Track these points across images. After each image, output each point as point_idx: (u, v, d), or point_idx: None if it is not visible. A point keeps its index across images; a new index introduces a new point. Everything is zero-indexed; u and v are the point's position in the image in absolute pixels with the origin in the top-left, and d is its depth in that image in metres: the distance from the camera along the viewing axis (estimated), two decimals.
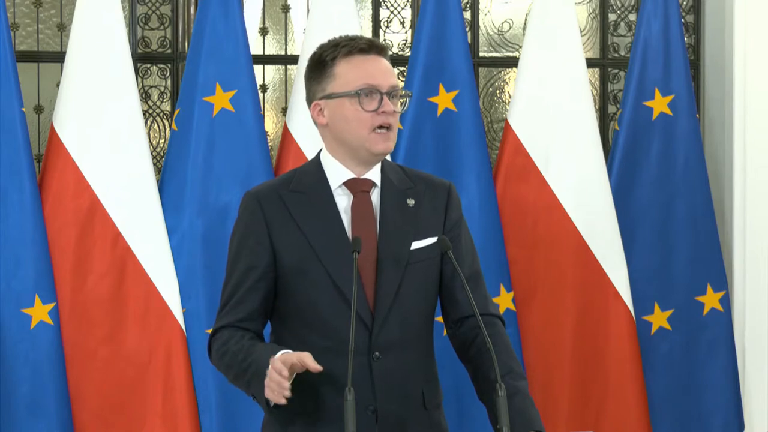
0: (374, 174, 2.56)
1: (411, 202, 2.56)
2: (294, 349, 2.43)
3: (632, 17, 4.49)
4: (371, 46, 2.52)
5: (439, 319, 2.64)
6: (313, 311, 2.49)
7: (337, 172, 2.54)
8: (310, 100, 2.57)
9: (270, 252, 2.51)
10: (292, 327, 2.53)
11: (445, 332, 2.67)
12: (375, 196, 2.55)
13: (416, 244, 2.53)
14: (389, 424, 2.48)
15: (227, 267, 2.57)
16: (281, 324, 2.57)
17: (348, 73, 2.50)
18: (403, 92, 2.55)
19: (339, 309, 2.45)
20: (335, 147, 2.55)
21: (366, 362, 2.47)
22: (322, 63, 2.53)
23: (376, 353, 2.48)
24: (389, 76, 2.52)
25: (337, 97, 2.50)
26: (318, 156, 2.60)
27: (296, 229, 2.50)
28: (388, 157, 2.69)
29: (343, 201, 2.54)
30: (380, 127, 2.49)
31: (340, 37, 2.57)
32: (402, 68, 4.20)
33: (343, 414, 2.25)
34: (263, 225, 2.51)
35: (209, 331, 2.62)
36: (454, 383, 3.10)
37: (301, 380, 2.40)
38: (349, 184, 2.54)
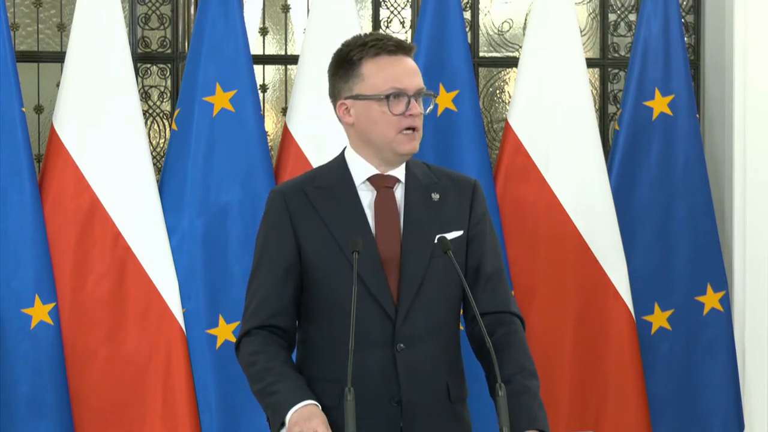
0: (398, 171, 2.58)
1: (436, 196, 2.58)
2: (320, 345, 2.50)
3: (632, 17, 4.49)
4: (398, 47, 2.53)
5: None
6: (339, 305, 2.50)
7: (361, 169, 2.57)
8: (334, 97, 2.59)
9: (296, 248, 2.53)
10: (319, 322, 2.55)
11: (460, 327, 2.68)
12: (399, 191, 2.57)
13: (440, 236, 2.53)
14: (414, 416, 2.50)
15: (254, 263, 2.60)
16: (308, 320, 2.58)
17: (376, 75, 2.51)
18: (429, 93, 2.56)
19: (363, 303, 2.47)
20: (360, 145, 2.57)
21: (390, 354, 2.49)
22: (348, 62, 2.54)
23: (401, 345, 2.49)
24: (416, 77, 2.53)
25: (364, 98, 2.52)
26: (342, 153, 2.62)
27: (321, 224, 2.53)
28: None
29: (367, 197, 2.56)
30: (407, 128, 2.51)
31: (367, 35, 2.59)
32: None
33: (344, 413, 2.26)
34: (288, 221, 2.54)
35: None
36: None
37: (327, 376, 2.40)
38: (373, 180, 2.56)
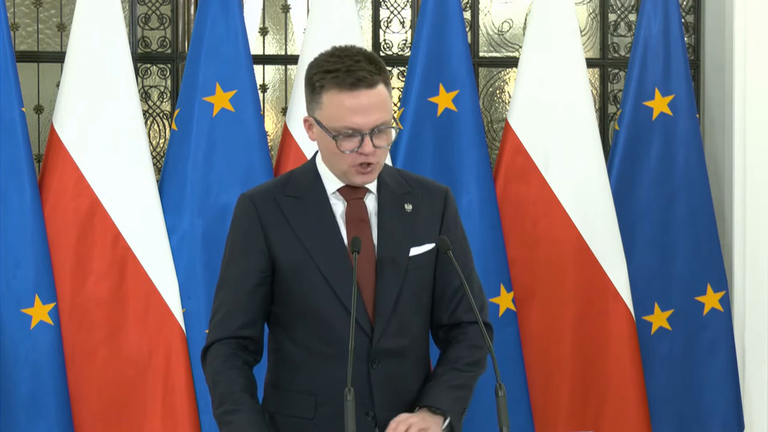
0: None
1: (408, 207, 2.55)
2: (293, 355, 2.47)
3: (632, 17, 4.49)
4: (358, 82, 2.40)
5: None
6: (314, 316, 2.48)
7: (331, 179, 2.53)
8: (306, 109, 2.54)
9: (267, 256, 2.49)
10: (293, 333, 2.52)
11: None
12: (371, 201, 2.54)
13: (414, 251, 2.52)
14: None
15: (222, 269, 2.56)
16: (280, 329, 2.55)
17: (331, 109, 2.42)
18: (392, 125, 2.46)
19: (338, 314, 2.45)
20: (326, 163, 2.53)
21: (365, 369, 2.46)
22: (312, 84, 2.47)
23: (376, 361, 2.47)
24: (374, 113, 2.41)
25: (320, 126, 2.46)
26: (314, 160, 2.58)
27: (291, 233, 2.48)
28: (388, 160, 2.67)
29: (339, 207, 2.53)
30: (360, 164, 2.45)
31: (335, 56, 2.46)
32: (402, 68, 4.21)
33: (343, 414, 2.25)
34: (259, 228, 2.50)
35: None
36: None
37: (301, 387, 2.40)
38: (342, 191, 2.53)
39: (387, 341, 2.47)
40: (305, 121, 2.52)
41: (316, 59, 2.49)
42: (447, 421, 2.44)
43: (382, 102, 2.44)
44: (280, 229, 2.49)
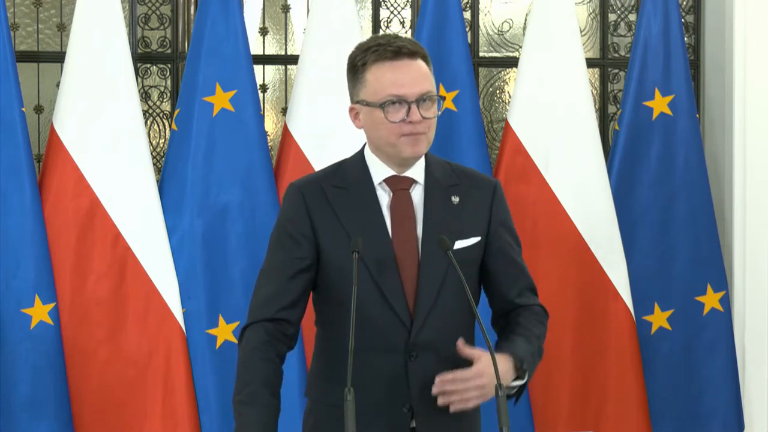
0: (416, 171, 2.55)
1: (455, 199, 2.55)
2: (333, 346, 2.50)
3: (632, 17, 4.49)
4: (399, 52, 2.47)
5: None
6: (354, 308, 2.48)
7: (378, 169, 2.54)
8: (351, 101, 2.57)
9: (313, 244, 2.51)
10: (332, 323, 2.54)
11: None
12: (418, 192, 2.55)
13: (459, 244, 2.51)
14: (425, 423, 2.49)
15: (267, 255, 2.56)
16: (323, 319, 2.58)
17: (375, 82, 2.47)
18: (434, 96, 2.51)
19: (378, 306, 2.46)
20: (373, 147, 2.56)
21: (402, 361, 2.47)
22: (354, 67, 2.52)
23: (414, 353, 2.48)
24: (418, 82, 2.47)
25: (367, 104, 2.49)
26: (362, 151, 2.60)
27: (338, 224, 2.50)
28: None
29: (385, 197, 2.54)
30: (410, 134, 2.48)
31: (375, 37, 2.55)
32: None
33: (343, 414, 2.25)
34: (306, 217, 2.52)
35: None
36: None
37: (342, 377, 2.41)
38: (388, 182, 2.54)
39: (426, 334, 2.48)
40: (350, 110, 2.55)
41: (355, 47, 2.56)
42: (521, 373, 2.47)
43: (424, 73, 2.49)
44: (327, 219, 2.51)
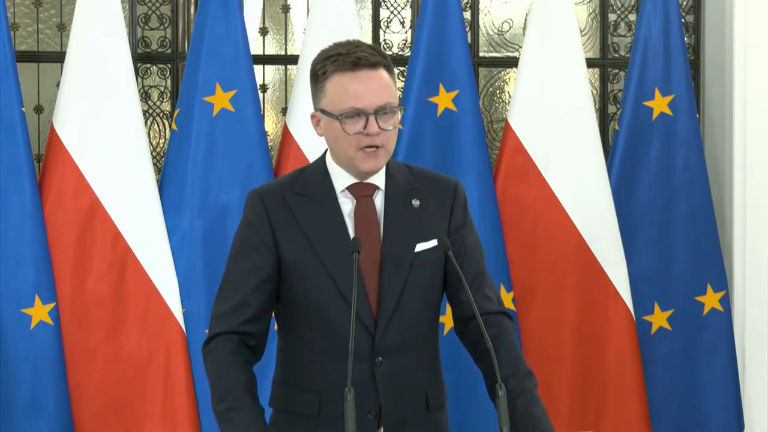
0: (377, 177, 2.53)
1: (416, 203, 2.54)
2: (299, 353, 2.47)
3: (632, 17, 4.49)
4: (358, 63, 2.42)
5: (443, 318, 2.62)
6: (317, 314, 2.48)
7: (340, 177, 2.52)
8: (313, 107, 2.55)
9: (274, 253, 2.49)
10: (296, 331, 2.52)
11: (446, 331, 2.67)
12: (379, 199, 2.53)
13: (420, 246, 2.50)
14: (391, 427, 2.47)
15: (228, 264, 2.55)
16: (286, 327, 2.56)
17: (334, 93, 2.43)
18: (397, 107, 2.46)
19: (342, 312, 2.44)
20: (334, 156, 2.53)
21: (368, 367, 2.46)
22: (315, 75, 2.49)
23: (379, 358, 2.46)
24: (377, 94, 2.42)
25: (326, 114, 2.46)
26: (323, 158, 2.58)
27: (299, 231, 2.48)
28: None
29: (348, 205, 2.52)
30: (367, 147, 2.45)
31: (337, 45, 2.49)
32: (402, 68, 4.20)
33: (343, 414, 2.24)
34: (267, 225, 2.50)
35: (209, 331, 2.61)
36: (455, 383, 3.10)
37: (306, 385, 2.40)
38: (351, 189, 2.52)
39: (390, 338, 2.47)
40: (312, 117, 2.52)
41: (318, 54, 2.51)
42: None
43: (385, 84, 2.44)
44: (288, 226, 2.49)
